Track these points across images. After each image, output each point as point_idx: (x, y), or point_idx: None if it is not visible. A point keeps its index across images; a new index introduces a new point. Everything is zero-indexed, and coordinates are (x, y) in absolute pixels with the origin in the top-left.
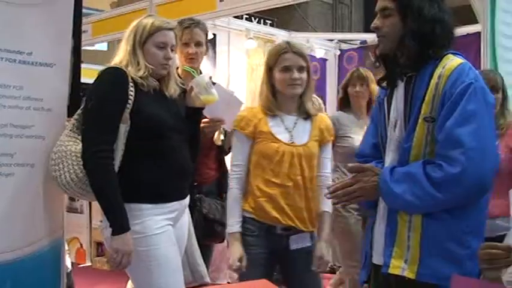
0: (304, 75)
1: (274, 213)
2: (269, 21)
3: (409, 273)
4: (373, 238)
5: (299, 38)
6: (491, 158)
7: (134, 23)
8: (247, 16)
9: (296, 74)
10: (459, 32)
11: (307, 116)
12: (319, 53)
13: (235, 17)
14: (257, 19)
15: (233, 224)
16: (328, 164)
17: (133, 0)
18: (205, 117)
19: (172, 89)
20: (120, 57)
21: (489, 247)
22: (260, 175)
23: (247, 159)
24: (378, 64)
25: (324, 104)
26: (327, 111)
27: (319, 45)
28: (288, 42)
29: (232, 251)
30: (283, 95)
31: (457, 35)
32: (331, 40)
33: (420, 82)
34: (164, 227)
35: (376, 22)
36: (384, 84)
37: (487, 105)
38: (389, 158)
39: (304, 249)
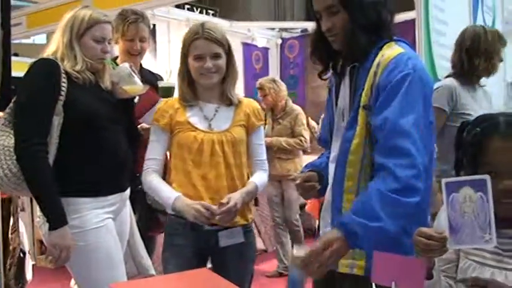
0: (220, 61)
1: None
2: (211, 12)
3: (358, 271)
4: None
5: (240, 27)
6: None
7: (69, 15)
8: (188, 7)
9: (209, 63)
10: (398, 18)
11: (230, 103)
12: (260, 42)
13: (176, 6)
14: (199, 9)
15: (169, 194)
16: (261, 150)
17: None
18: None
19: (108, 81)
20: (53, 49)
21: (424, 236)
22: (181, 168)
23: (164, 153)
24: (314, 59)
25: None
26: None
27: (260, 34)
28: (202, 25)
29: (188, 209)
30: (199, 85)
31: (396, 22)
32: (273, 29)
33: (362, 71)
34: (104, 220)
35: (327, 24)
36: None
37: (424, 96)
38: (334, 148)
39: (236, 245)
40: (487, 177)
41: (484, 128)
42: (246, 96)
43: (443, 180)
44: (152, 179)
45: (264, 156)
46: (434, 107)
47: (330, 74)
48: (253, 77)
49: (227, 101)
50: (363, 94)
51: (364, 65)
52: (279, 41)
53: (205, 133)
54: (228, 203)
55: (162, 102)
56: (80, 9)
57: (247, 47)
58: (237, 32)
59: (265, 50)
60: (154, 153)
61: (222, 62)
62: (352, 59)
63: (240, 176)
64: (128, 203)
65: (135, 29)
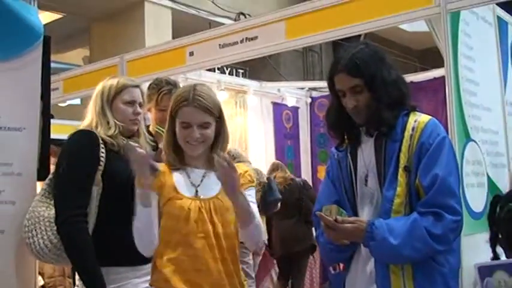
0: (208, 131)
1: (182, 286)
2: (241, 71)
3: None
4: None
5: (270, 87)
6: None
7: (100, 85)
8: (219, 66)
9: (196, 133)
10: (428, 76)
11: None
12: (290, 102)
13: (208, 69)
14: (229, 69)
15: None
16: (254, 210)
17: (105, 55)
18: None
19: (143, 147)
20: (89, 120)
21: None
22: (164, 238)
23: (156, 220)
24: (331, 133)
25: (298, 151)
26: (301, 158)
27: (290, 93)
28: (193, 90)
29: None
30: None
31: (426, 79)
32: (302, 88)
33: (394, 135)
34: None
35: (352, 102)
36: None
37: (455, 157)
38: (365, 212)
39: None
40: None
41: None
42: (278, 155)
43: (476, 265)
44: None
45: (258, 217)
46: None
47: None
48: (284, 136)
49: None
50: (401, 156)
51: (391, 133)
52: (309, 100)
53: (192, 200)
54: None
55: None
56: (108, 79)
57: (278, 106)
58: (267, 92)
59: (295, 109)
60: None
61: (210, 131)
62: (377, 130)
63: (231, 246)
64: None
65: (168, 99)
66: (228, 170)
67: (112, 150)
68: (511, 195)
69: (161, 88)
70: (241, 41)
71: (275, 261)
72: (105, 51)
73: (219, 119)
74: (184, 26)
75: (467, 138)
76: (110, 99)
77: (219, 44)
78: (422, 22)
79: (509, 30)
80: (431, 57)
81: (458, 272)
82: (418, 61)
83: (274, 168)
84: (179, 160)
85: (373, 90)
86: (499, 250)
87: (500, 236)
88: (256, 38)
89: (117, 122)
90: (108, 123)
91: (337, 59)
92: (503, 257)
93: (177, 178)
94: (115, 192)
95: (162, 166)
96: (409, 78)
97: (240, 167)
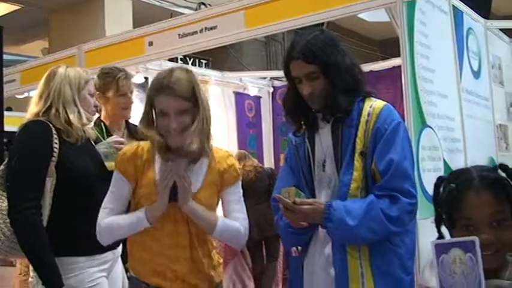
0: (186, 118)
1: (157, 279)
2: (204, 61)
3: None
4: (305, 274)
5: (232, 77)
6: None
7: (60, 73)
8: (181, 57)
9: (173, 123)
10: (387, 64)
11: (202, 158)
12: (252, 91)
13: (169, 59)
14: (192, 59)
15: (135, 214)
16: (239, 206)
17: (64, 46)
18: None
19: (93, 135)
20: (42, 107)
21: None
22: (139, 236)
23: (125, 207)
24: (288, 119)
25: (261, 140)
26: (264, 147)
27: (252, 83)
28: (167, 77)
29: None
30: None
31: (385, 68)
32: (264, 78)
33: (350, 121)
34: (98, 279)
35: (308, 89)
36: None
37: (409, 141)
38: (323, 196)
39: None
40: (475, 238)
41: (458, 183)
42: (241, 145)
43: (433, 242)
44: (111, 219)
45: (244, 214)
46: None
47: (290, 134)
48: (247, 126)
49: (199, 156)
50: (357, 141)
51: (347, 119)
52: (271, 89)
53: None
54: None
55: (130, 146)
56: (66, 67)
57: (240, 96)
58: (229, 82)
59: (257, 99)
60: (112, 205)
61: (188, 118)
62: (333, 116)
63: (203, 245)
64: (120, 260)
65: (127, 84)
66: (180, 180)
67: (67, 140)
68: (452, 176)
69: (117, 75)
70: (201, 31)
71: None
72: (64, 43)
73: (197, 103)
74: (145, 17)
75: (423, 124)
76: (80, 89)
77: (179, 34)
78: (383, 12)
79: (465, 19)
80: (391, 46)
81: (414, 253)
82: (378, 50)
83: (240, 157)
84: (162, 146)
85: (328, 77)
86: (445, 230)
87: (444, 216)
88: (215, 27)
89: (85, 112)
90: (79, 112)
91: (293, 46)
92: (448, 237)
93: (159, 167)
94: (70, 183)
95: (145, 153)
96: (369, 67)
97: (226, 160)
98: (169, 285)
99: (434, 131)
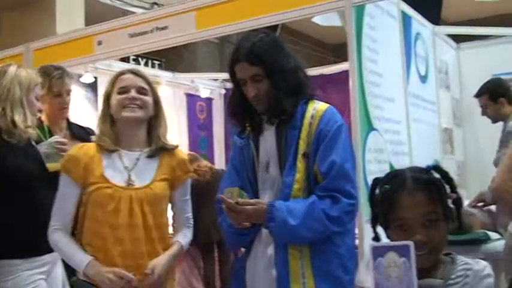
0: (146, 98)
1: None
2: (157, 62)
3: None
4: (247, 276)
5: (183, 79)
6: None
7: (11, 72)
8: (134, 57)
9: (134, 94)
10: (338, 68)
11: (154, 152)
12: (204, 93)
13: (121, 59)
14: (145, 60)
15: (81, 258)
16: (187, 206)
17: (15, 45)
18: None
19: (34, 135)
20: None
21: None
22: (94, 230)
23: (73, 209)
24: (233, 121)
25: (212, 142)
26: (215, 149)
27: (204, 84)
28: (129, 70)
29: (101, 277)
30: (123, 126)
31: (336, 72)
32: (216, 80)
33: (294, 123)
34: (36, 281)
35: (253, 91)
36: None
37: (351, 143)
38: (267, 197)
39: None
40: (410, 243)
41: (393, 184)
42: (192, 147)
43: (370, 245)
44: (59, 239)
45: (190, 212)
46: None
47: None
48: (198, 128)
49: (152, 149)
50: (300, 143)
51: (291, 121)
52: (223, 91)
53: (123, 190)
54: (152, 273)
55: (75, 147)
56: (17, 67)
57: (191, 97)
58: (180, 83)
59: (209, 101)
60: (61, 208)
61: (149, 99)
62: (277, 118)
63: (161, 238)
64: (60, 262)
65: (61, 84)
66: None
67: (5, 140)
68: (387, 177)
69: (51, 73)
70: (152, 31)
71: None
72: (15, 41)
73: (157, 100)
74: (98, 16)
75: (370, 127)
76: (30, 92)
77: (129, 34)
78: (337, 17)
79: (413, 24)
80: (344, 50)
81: (354, 253)
82: (331, 54)
83: (192, 158)
84: (114, 141)
85: (272, 79)
86: (381, 230)
87: (379, 217)
88: (166, 27)
89: (30, 115)
90: (25, 114)
91: (238, 48)
92: (384, 237)
93: (108, 163)
94: (5, 183)
95: (90, 149)
96: (320, 70)
97: (177, 155)
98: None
99: (380, 134)
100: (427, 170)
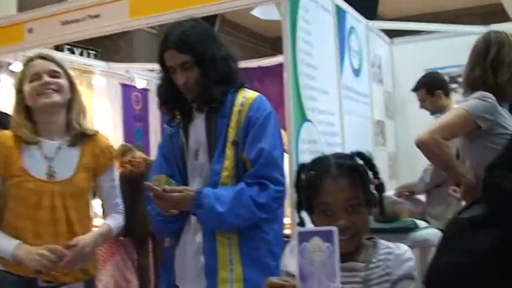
0: (61, 80)
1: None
2: (93, 52)
3: None
4: (176, 265)
5: (118, 69)
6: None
7: None
8: (69, 47)
9: (47, 78)
10: (275, 61)
11: (75, 140)
12: (140, 84)
13: (55, 48)
14: (80, 50)
15: (8, 241)
16: (114, 192)
17: None
18: None
19: None
20: None
21: (276, 286)
22: (14, 224)
23: None
24: (163, 109)
25: (148, 133)
26: (151, 140)
27: (139, 75)
28: (38, 55)
29: (31, 255)
30: (41, 115)
31: (273, 64)
32: (152, 70)
33: (224, 111)
34: None
35: (182, 79)
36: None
37: (279, 131)
38: (195, 185)
39: None
40: (334, 229)
41: (317, 170)
42: (127, 138)
43: (297, 230)
44: None
45: (119, 198)
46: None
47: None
48: (133, 119)
49: (72, 137)
50: (230, 131)
51: (221, 109)
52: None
53: (44, 184)
54: (76, 245)
55: None
56: None
57: (126, 88)
58: (115, 73)
59: (145, 91)
60: None
61: (63, 82)
62: (207, 106)
63: (85, 231)
64: None
65: None
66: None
67: None
68: (312, 163)
69: None
70: (84, 19)
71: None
72: None
73: (72, 83)
74: (30, 3)
75: (303, 118)
76: None
77: (61, 21)
78: (275, 10)
79: (347, 18)
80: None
81: (282, 240)
82: (270, 47)
83: (125, 150)
84: (32, 131)
85: (202, 67)
86: (306, 216)
87: (303, 202)
88: (99, 16)
89: None
90: None
91: (167, 35)
92: (309, 222)
93: (28, 155)
94: None
95: (8, 140)
96: (258, 63)
97: (100, 142)
98: (47, 272)
99: (314, 125)
100: (351, 156)
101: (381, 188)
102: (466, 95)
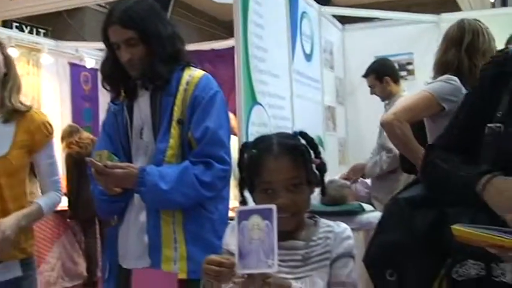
0: None
1: None
2: (42, 31)
3: (181, 274)
4: (119, 244)
5: (67, 47)
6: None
7: None
8: (17, 24)
9: None
10: (228, 44)
11: (9, 116)
12: (89, 63)
13: (3, 24)
14: (29, 28)
15: None
16: (52, 169)
17: None
18: None
19: None
20: None
21: (214, 263)
22: None
23: None
24: (106, 85)
25: (97, 114)
26: (100, 121)
27: (89, 54)
28: None
29: None
30: None
31: (226, 47)
32: (102, 49)
33: (169, 89)
34: None
35: (127, 55)
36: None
37: (226, 111)
38: (140, 162)
39: (11, 280)
40: (273, 206)
41: (260, 149)
42: (75, 118)
43: (237, 209)
44: None
45: (57, 175)
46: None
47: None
48: (82, 99)
49: (6, 113)
50: (175, 109)
51: (166, 87)
52: None
53: None
54: None
55: None
56: None
57: (75, 67)
58: (64, 52)
59: (94, 71)
60: None
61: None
62: (152, 84)
63: (19, 208)
64: None
65: None
66: None
67: None
68: (255, 142)
69: None
70: None
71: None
72: None
73: (7, 57)
74: None
75: (254, 101)
76: None
77: None
78: None
79: (299, 3)
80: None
81: (227, 219)
82: (224, 31)
83: (72, 131)
84: None
85: (147, 44)
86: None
87: (246, 181)
88: None
89: None
90: None
91: (111, 11)
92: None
93: None
94: None
95: None
96: (211, 45)
97: (36, 118)
98: None
99: (264, 109)
100: (294, 135)
101: (322, 167)
102: (434, 78)
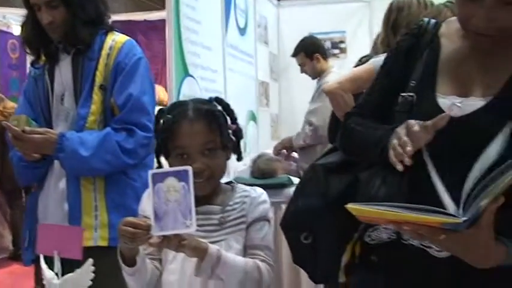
0: None
1: None
2: None
3: (102, 242)
4: (39, 212)
5: None
6: None
7: None
8: None
9: None
10: (161, 15)
11: None
12: (17, 30)
13: None
14: None
15: None
16: None
17: None
18: None
19: None
20: None
21: (130, 225)
22: None
23: None
24: (26, 48)
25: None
26: None
27: (17, 21)
28: None
29: None
30: None
31: (159, 19)
32: None
33: (91, 54)
34: None
35: (48, 17)
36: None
37: (150, 77)
38: (60, 128)
39: None
40: (189, 168)
41: (175, 114)
42: (2, 88)
43: (150, 172)
44: None
45: None
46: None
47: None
48: (9, 67)
49: None
50: (97, 75)
51: (88, 52)
52: None
53: None
54: None
55: None
56: None
57: (2, 34)
58: None
59: None
60: None
61: None
62: (74, 48)
63: None
64: None
65: None
66: None
67: None
68: (170, 108)
69: None
70: None
71: None
72: None
73: None
74: None
75: (185, 73)
76: None
77: None
78: None
79: None
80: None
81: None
82: (160, 2)
83: None
84: None
85: (69, 6)
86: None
87: (162, 146)
88: None
89: None
90: None
91: None
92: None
93: None
94: None
95: None
96: (143, 16)
97: None
98: None
99: (196, 81)
100: (209, 101)
101: (238, 133)
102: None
